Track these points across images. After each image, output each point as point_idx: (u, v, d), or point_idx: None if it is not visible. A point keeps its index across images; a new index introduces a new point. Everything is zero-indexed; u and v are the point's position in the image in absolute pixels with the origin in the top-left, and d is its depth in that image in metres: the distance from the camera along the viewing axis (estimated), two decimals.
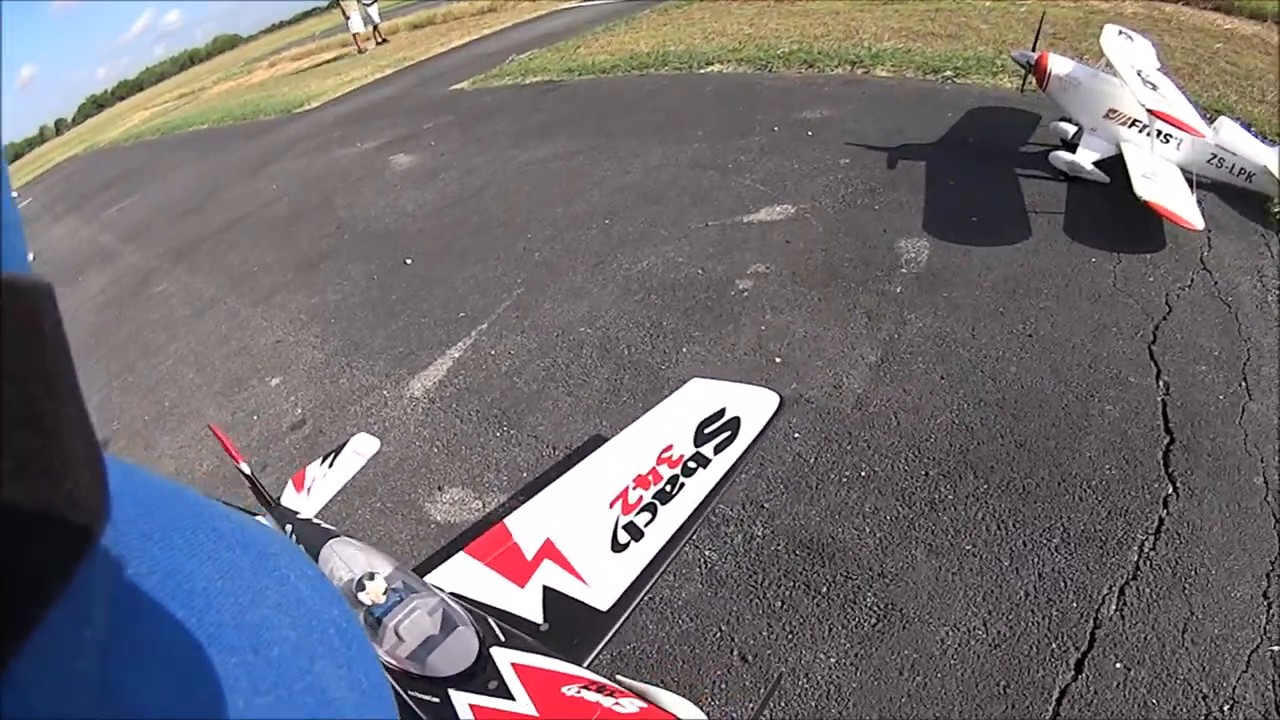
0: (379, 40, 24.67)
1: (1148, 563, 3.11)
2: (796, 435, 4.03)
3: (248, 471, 4.03)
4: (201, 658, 0.34)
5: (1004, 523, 3.38)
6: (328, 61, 26.23)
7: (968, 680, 2.85)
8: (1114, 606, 2.98)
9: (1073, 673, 2.80)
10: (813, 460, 3.89)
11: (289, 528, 3.60)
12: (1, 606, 0.23)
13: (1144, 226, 5.05)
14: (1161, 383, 3.94)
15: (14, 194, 0.29)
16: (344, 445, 4.42)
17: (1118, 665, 2.78)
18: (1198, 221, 4.76)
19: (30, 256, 0.29)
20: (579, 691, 2.28)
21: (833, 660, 3.02)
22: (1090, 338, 4.30)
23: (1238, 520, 3.21)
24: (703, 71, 10.94)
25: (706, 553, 3.53)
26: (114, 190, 17.82)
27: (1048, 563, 3.19)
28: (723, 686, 3.04)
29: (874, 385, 4.29)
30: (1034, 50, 6.03)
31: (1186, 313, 4.38)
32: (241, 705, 0.34)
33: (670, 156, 8.05)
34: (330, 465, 4.29)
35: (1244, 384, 3.87)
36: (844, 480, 3.75)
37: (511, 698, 2.35)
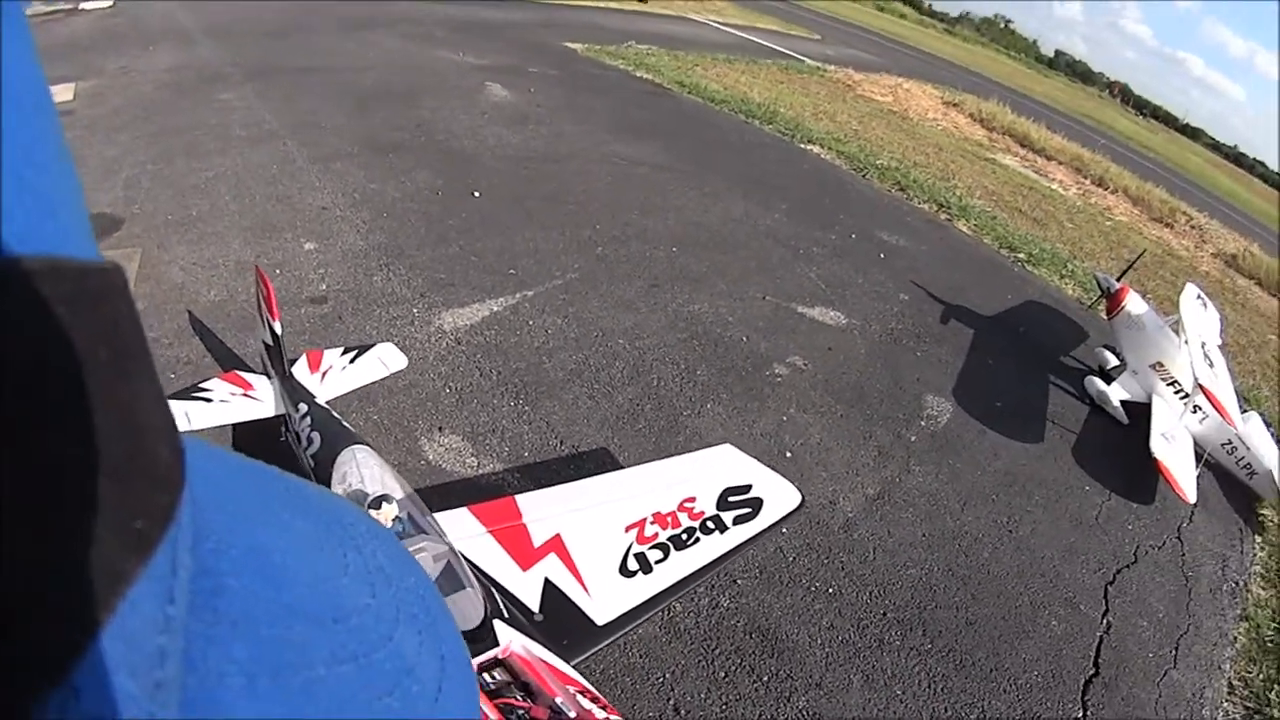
0: None
1: None
2: (784, 532, 4.27)
3: (278, 331, 3.99)
4: (282, 629, 0.35)
5: (935, 684, 3.71)
6: None
7: None
8: None
9: None
10: (791, 559, 4.19)
11: (303, 407, 3.64)
12: (84, 584, 0.24)
13: (1142, 478, 5.46)
14: (1105, 621, 4.33)
15: (81, 184, 0.29)
16: (369, 348, 4.45)
17: None
18: (1191, 495, 5.14)
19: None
20: (575, 694, 2.40)
21: None
22: (1061, 556, 4.68)
23: None
24: (803, 147, 11.25)
25: (675, 604, 3.71)
26: None
27: None
28: None
29: (865, 516, 4.60)
30: (1119, 280, 6.36)
31: (1149, 570, 4.79)
32: (323, 674, 0.35)
33: (751, 215, 8.31)
34: (351, 361, 4.32)
35: (1174, 652, 4.28)
36: (813, 589, 4.05)
37: (509, 677, 2.48)
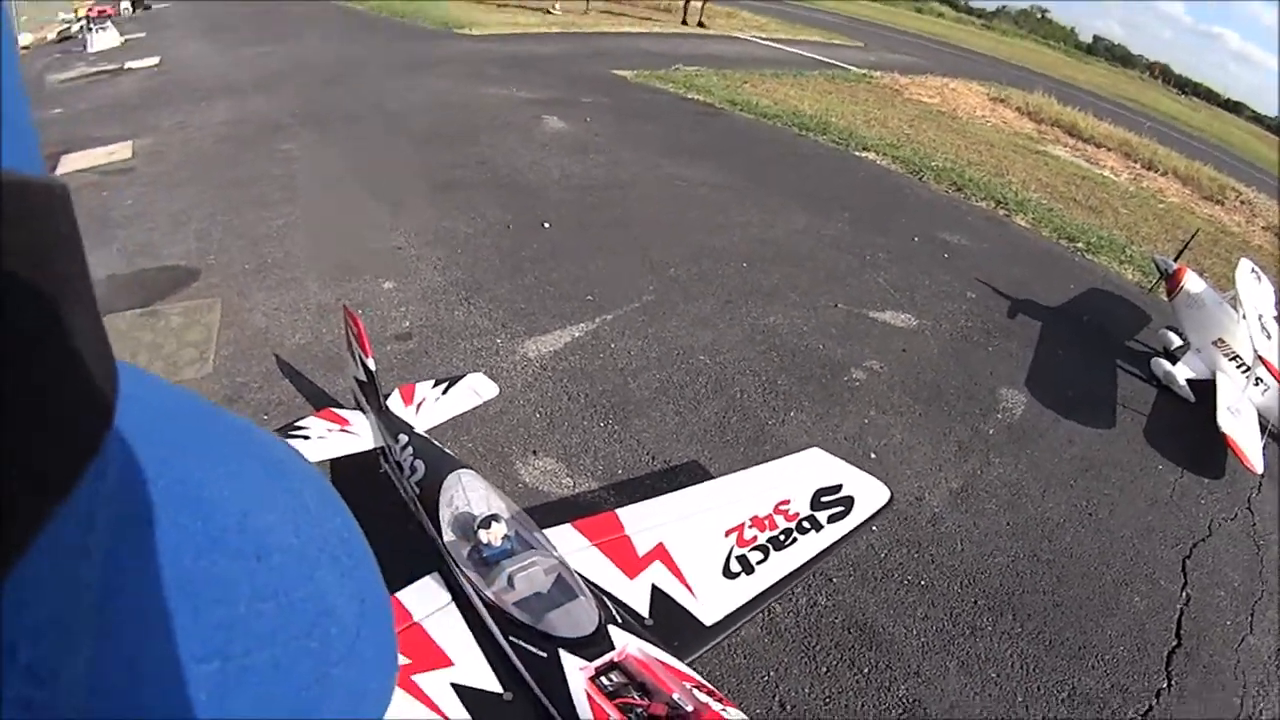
0: None
1: None
2: (875, 530, 4.45)
3: (372, 367, 4.08)
4: (204, 563, 0.34)
5: (1027, 665, 3.95)
6: None
7: None
8: None
9: None
10: (883, 556, 4.44)
11: (403, 437, 3.76)
12: (4, 510, 0.23)
13: (1211, 453, 5.65)
14: (1185, 593, 4.56)
15: (23, 87, 0.27)
16: (460, 378, 4.62)
17: None
18: (1259, 465, 5.32)
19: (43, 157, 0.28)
20: (691, 689, 2.52)
21: None
22: (1139, 535, 4.92)
23: None
24: (858, 155, 11.46)
25: (774, 605, 3.80)
26: (253, 30, 17.65)
27: (1054, 711, 3.77)
28: None
29: (950, 509, 4.85)
30: (1176, 261, 6.53)
31: (1223, 541, 5.01)
32: (243, 611, 0.35)
33: (813, 227, 8.56)
34: (444, 393, 4.47)
35: (1250, 618, 4.50)
36: (905, 582, 4.30)
37: (626, 678, 2.61)
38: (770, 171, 10.24)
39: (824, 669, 3.75)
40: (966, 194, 10.28)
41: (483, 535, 2.89)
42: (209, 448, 0.41)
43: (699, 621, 3.05)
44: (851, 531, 3.61)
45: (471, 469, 3.41)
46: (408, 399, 4.35)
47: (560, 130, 10.99)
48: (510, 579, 2.75)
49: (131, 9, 23.00)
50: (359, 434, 4.10)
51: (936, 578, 4.37)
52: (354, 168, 8.82)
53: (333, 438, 4.07)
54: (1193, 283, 6.35)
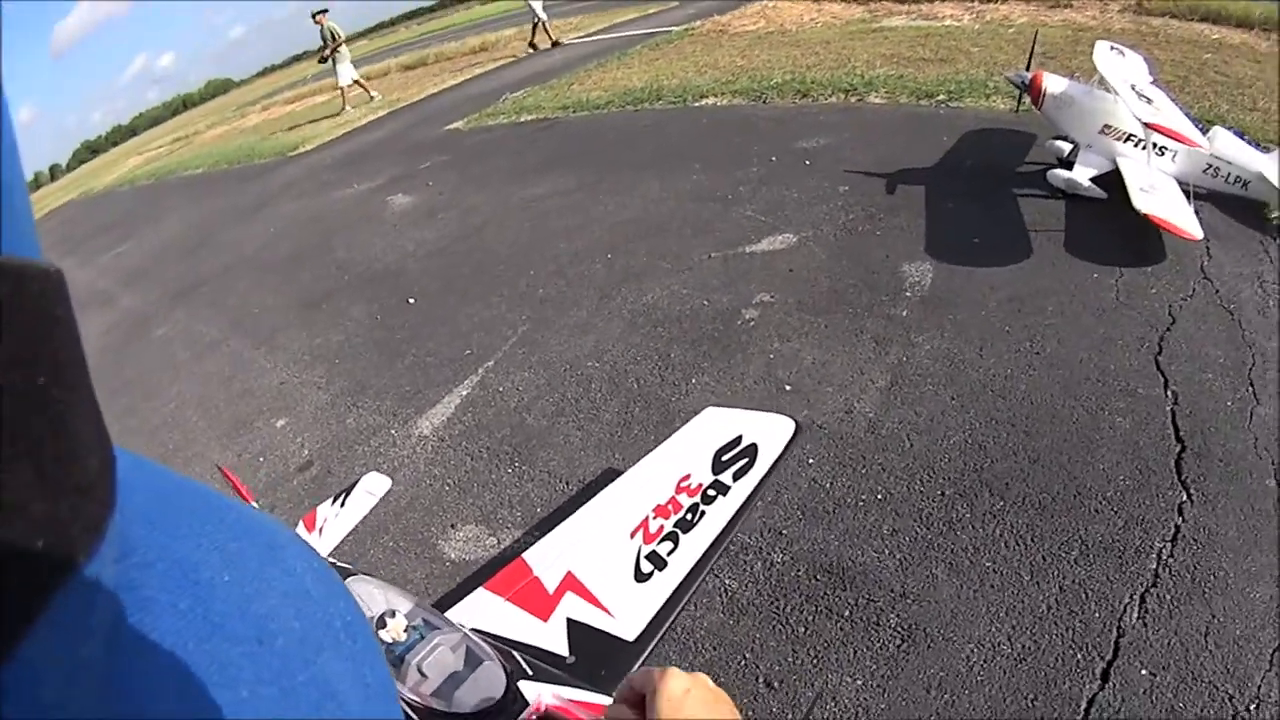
0: (552, 41, 20.88)
1: (1166, 569, 3.15)
2: (811, 461, 4.06)
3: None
4: (206, 647, 0.34)
5: (1022, 538, 3.42)
6: (322, 104, 25.65)
7: (995, 696, 2.87)
8: (1136, 614, 3.01)
9: (1099, 682, 2.82)
10: (828, 485, 3.92)
11: None
12: (8, 592, 0.23)
13: (1143, 240, 5.15)
14: (1169, 392, 4.01)
15: (23, 175, 0.28)
16: (355, 484, 4.41)
17: (1143, 672, 2.82)
18: (1197, 232, 4.84)
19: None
20: None
21: (859, 683, 3.03)
22: (1097, 352, 4.37)
23: (1253, 523, 3.27)
24: (697, 105, 11.05)
25: (727, 581, 3.53)
26: (110, 235, 17.55)
27: (1068, 575, 3.22)
28: (750, 714, 3.04)
29: (885, 409, 4.33)
30: (1028, 70, 6.14)
31: (1190, 322, 4.46)
32: (245, 695, 0.35)
33: (669, 189, 8.12)
34: (342, 505, 4.28)
35: (1250, 389, 3.95)
36: (860, 504, 3.78)
37: None
38: (614, 156, 9.86)
39: (801, 629, 3.27)
40: (814, 97, 9.81)
41: (384, 635, 2.58)
42: (208, 531, 0.41)
43: (621, 640, 2.76)
44: (762, 480, 3.20)
45: (360, 573, 3.13)
46: (310, 526, 4.17)
47: (406, 204, 10.72)
48: (420, 669, 2.46)
49: None
50: None
51: (893, 485, 3.85)
52: (227, 324, 8.63)
53: None
54: (1053, 83, 5.96)
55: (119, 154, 58.83)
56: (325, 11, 20.06)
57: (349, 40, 21.48)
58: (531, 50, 20.81)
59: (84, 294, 12.53)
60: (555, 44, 20.28)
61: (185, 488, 0.43)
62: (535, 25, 20.71)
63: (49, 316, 0.26)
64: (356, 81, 21.58)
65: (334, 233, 10.50)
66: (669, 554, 3.00)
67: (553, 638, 2.80)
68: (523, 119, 13.37)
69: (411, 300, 7.49)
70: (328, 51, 20.28)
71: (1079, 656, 2.93)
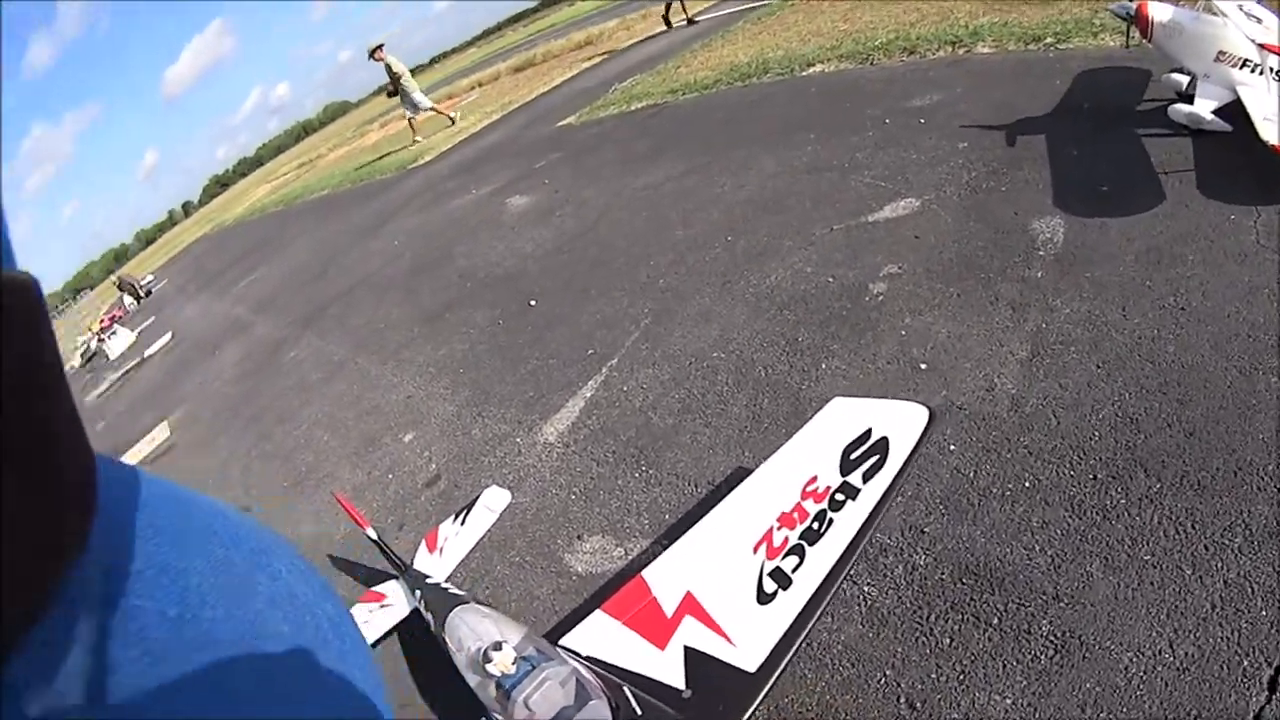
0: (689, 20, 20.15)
1: None
2: (952, 448, 3.86)
3: (374, 537, 4.13)
4: (194, 652, 0.34)
5: (1182, 525, 3.14)
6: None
7: (1155, 713, 2.63)
8: None
9: (1266, 693, 2.55)
10: (972, 474, 3.71)
11: (418, 593, 3.63)
12: None
13: (1274, 170, 4.78)
14: None
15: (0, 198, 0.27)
16: (475, 501, 4.47)
17: None
18: None
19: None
20: None
21: (1009, 701, 2.81)
22: (1244, 303, 4.06)
23: None
24: (805, 74, 10.87)
25: (865, 588, 3.34)
26: (242, 264, 18.73)
27: (1233, 567, 2.92)
28: None
29: (1028, 383, 4.12)
30: (1132, 1, 5.81)
31: None
32: (234, 699, 0.35)
33: (784, 163, 8.02)
34: (462, 523, 4.31)
35: None
36: (1007, 494, 3.56)
37: None
38: (726, 135, 9.78)
39: (946, 641, 3.06)
40: (921, 53, 9.52)
41: (491, 668, 2.58)
42: (195, 538, 0.41)
43: (742, 672, 2.53)
44: (895, 480, 2.99)
45: (472, 601, 3.22)
46: (431, 546, 4.21)
47: (524, 205, 10.96)
48: (527, 705, 2.41)
49: (135, 302, 24.23)
50: (394, 604, 3.96)
51: (1041, 470, 3.60)
52: (353, 344, 9.05)
53: (375, 619, 3.89)
54: (1159, 11, 5.59)
55: (248, 184, 61.64)
56: (381, 46, 20.31)
57: (413, 71, 21.67)
58: (667, 27, 20.78)
59: (221, 323, 13.69)
60: (690, 21, 20.00)
61: (171, 494, 0.43)
62: (669, 3, 20.67)
63: (25, 326, 0.25)
64: (433, 108, 21.89)
65: (454, 241, 10.81)
66: (794, 570, 2.81)
67: (669, 668, 2.64)
68: (632, 107, 13.46)
69: (533, 302, 7.62)
70: (391, 86, 20.73)
71: (1245, 663, 2.64)
